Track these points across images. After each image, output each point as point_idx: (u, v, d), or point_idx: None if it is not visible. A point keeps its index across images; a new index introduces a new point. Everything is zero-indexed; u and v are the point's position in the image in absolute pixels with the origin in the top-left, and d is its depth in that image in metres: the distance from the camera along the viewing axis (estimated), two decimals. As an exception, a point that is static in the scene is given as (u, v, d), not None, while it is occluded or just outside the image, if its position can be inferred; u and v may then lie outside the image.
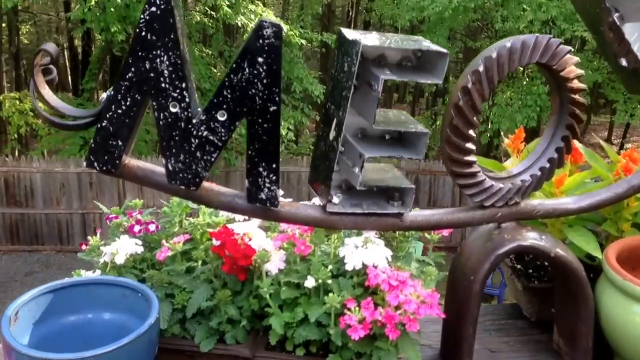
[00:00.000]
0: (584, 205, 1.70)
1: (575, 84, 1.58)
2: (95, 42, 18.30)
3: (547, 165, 1.65)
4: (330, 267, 1.56)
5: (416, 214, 1.59)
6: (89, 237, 1.70)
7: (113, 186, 12.29)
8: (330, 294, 1.46)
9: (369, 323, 1.42)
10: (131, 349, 1.30)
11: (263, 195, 1.39)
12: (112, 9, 10.93)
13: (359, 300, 1.47)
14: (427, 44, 1.43)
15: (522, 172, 1.67)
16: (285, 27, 11.38)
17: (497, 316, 2.03)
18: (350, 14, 22.36)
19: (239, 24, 12.23)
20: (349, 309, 1.44)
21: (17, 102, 14.40)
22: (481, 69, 1.48)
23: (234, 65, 1.32)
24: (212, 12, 12.71)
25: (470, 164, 1.55)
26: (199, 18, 13.38)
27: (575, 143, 1.99)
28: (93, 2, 10.88)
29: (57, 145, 14.02)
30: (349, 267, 1.53)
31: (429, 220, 1.60)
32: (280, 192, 1.42)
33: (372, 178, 1.53)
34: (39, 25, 21.16)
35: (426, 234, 1.78)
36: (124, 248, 1.62)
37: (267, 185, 1.38)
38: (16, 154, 14.48)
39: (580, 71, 1.57)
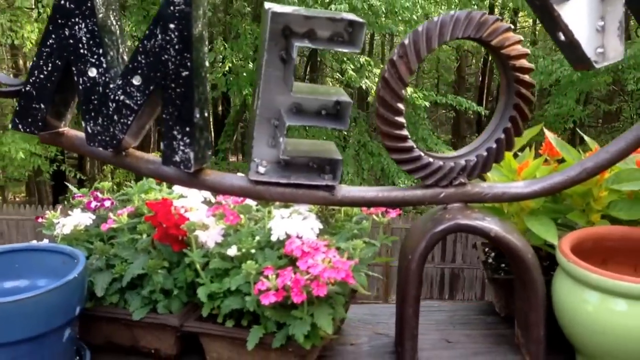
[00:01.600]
0: (536, 189, 1.63)
1: (519, 62, 1.54)
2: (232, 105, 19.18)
3: (494, 145, 1.61)
4: (257, 237, 1.57)
5: (350, 189, 1.58)
6: (47, 212, 1.79)
7: None
8: (249, 262, 1.47)
9: (281, 289, 1.41)
10: (40, 302, 1.35)
11: (177, 158, 1.42)
12: (244, 74, 11.53)
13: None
14: (347, 15, 1.44)
15: (469, 153, 1.63)
16: (409, 90, 11.57)
17: (470, 312, 1.97)
18: (479, 79, 22.31)
19: (364, 87, 12.49)
20: (266, 277, 1.44)
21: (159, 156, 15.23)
22: (407, 41, 1.48)
23: (147, 32, 1.38)
24: (339, 76, 13.09)
25: (403, 138, 1.53)
26: (331, 84, 13.82)
27: (548, 135, 1.93)
28: (227, 68, 11.58)
29: None
30: (273, 237, 1.53)
31: (364, 196, 1.59)
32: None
33: (301, 150, 1.54)
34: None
35: (375, 216, 1.76)
36: (72, 220, 1.69)
37: (182, 148, 1.42)
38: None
39: (524, 50, 1.54)
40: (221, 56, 12.11)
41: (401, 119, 1.51)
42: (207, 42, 1.46)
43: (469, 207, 1.63)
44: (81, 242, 1.72)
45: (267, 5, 1.43)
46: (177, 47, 1.37)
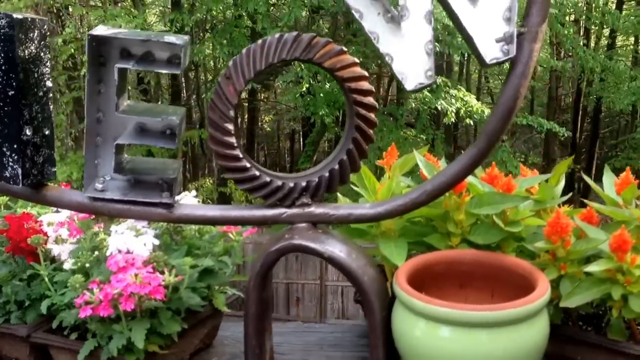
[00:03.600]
0: (380, 210, 1.62)
1: (356, 84, 1.55)
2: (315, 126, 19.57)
3: (337, 167, 1.61)
4: (96, 252, 1.63)
5: (192, 207, 1.62)
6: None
7: (316, 260, 12.76)
8: (76, 276, 1.53)
9: (106, 303, 1.47)
10: None
11: (7, 174, 1.51)
12: (321, 94, 11.76)
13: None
14: (167, 37, 1.50)
15: (312, 174, 1.64)
16: (487, 111, 11.49)
17: (346, 334, 1.96)
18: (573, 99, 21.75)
19: (439, 108, 12.45)
20: (90, 290, 1.50)
21: None
22: (231, 64, 1.52)
23: (-22, 54, 1.48)
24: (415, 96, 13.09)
25: (235, 157, 1.56)
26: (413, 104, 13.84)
27: (418, 159, 1.90)
28: (304, 89, 11.86)
29: None
30: (108, 252, 1.59)
31: (205, 214, 1.62)
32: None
33: (139, 167, 1.59)
34: (279, 113, 23.10)
35: (230, 234, 1.79)
36: None
37: (10, 164, 1.50)
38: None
39: (361, 72, 1.54)
40: (299, 76, 12.33)
41: (231, 139, 1.55)
42: (47, 62, 1.54)
43: (314, 228, 1.63)
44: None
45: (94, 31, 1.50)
46: (3, 67, 1.45)
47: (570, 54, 15.75)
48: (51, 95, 1.57)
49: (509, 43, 1.45)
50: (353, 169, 1.62)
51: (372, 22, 1.51)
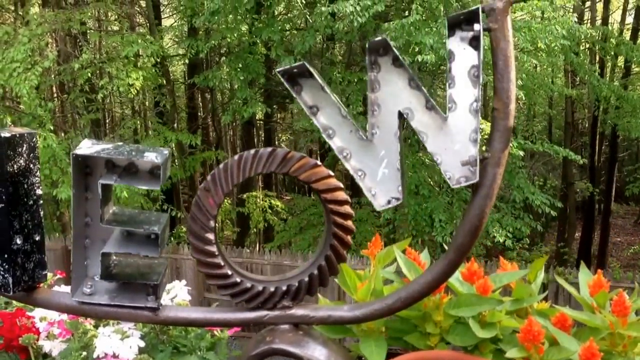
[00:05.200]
0: (357, 314, 1.69)
1: (332, 195, 1.62)
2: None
3: (316, 272, 1.68)
4: (84, 353, 1.71)
5: (177, 310, 1.70)
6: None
7: (334, 282, 12.78)
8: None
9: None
10: None
11: (-2, 282, 1.60)
12: None
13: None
14: (149, 154, 1.58)
15: (292, 277, 1.71)
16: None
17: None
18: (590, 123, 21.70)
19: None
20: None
21: (259, 200, 15.91)
22: (209, 178, 1.60)
23: (-31, 168, 1.57)
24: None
25: (217, 265, 1.64)
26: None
27: (410, 253, 1.97)
28: None
29: (290, 240, 15.08)
30: (95, 354, 1.67)
31: (188, 317, 1.70)
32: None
33: (126, 272, 1.67)
34: (297, 133, 23.27)
35: (215, 332, 1.86)
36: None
37: (1, 273, 1.58)
38: (257, 247, 15.61)
39: (336, 184, 1.62)
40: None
41: (212, 248, 1.62)
42: (37, 172, 1.63)
43: (296, 329, 1.70)
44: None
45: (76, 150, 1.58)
46: (-7, 181, 1.54)
47: (585, 81, 15.74)
48: (41, 202, 1.65)
49: (474, 166, 1.51)
50: (332, 273, 1.69)
51: (344, 139, 1.58)
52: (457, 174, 1.54)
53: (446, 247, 1.69)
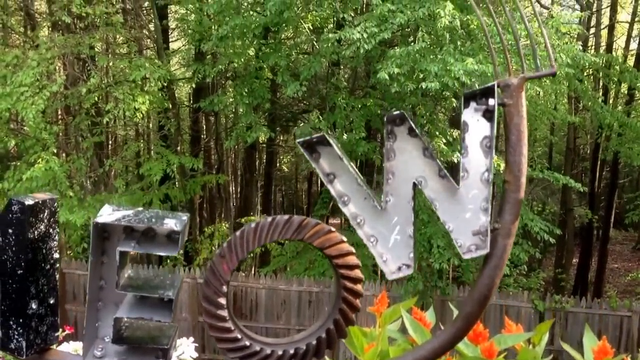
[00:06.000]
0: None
1: (343, 260, 1.64)
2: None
3: (324, 335, 1.70)
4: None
5: (188, 372, 1.72)
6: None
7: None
8: None
9: None
10: None
11: (12, 346, 1.62)
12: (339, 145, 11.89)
13: None
14: (169, 221, 1.60)
15: (301, 340, 1.73)
16: (503, 165, 11.43)
17: None
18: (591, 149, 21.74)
19: (455, 160, 12.50)
20: None
21: None
22: (225, 245, 1.62)
23: (-10, 234, 1.59)
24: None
25: (227, 329, 1.66)
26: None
27: (415, 313, 1.99)
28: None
29: (286, 264, 15.06)
30: (106, 416, 1.69)
31: (199, 378, 1.72)
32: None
33: (136, 336, 1.69)
34: (298, 155, 23.45)
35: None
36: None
37: (16, 337, 1.61)
38: (252, 271, 15.59)
39: (348, 249, 1.64)
40: (318, 128, 12.54)
41: (223, 313, 1.64)
42: (56, 236, 1.65)
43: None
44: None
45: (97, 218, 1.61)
46: (14, 248, 1.57)
47: (588, 108, 15.80)
48: (57, 265, 1.67)
49: (485, 235, 1.54)
50: (340, 336, 1.71)
51: (358, 206, 1.61)
52: (468, 242, 1.56)
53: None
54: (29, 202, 1.56)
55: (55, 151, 12.32)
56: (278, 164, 23.10)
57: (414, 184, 1.57)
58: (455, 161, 12.40)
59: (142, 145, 16.70)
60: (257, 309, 12.96)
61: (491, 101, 1.56)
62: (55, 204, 1.65)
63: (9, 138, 12.68)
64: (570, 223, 19.05)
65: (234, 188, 21.91)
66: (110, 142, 18.88)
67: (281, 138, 20.64)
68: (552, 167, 18.35)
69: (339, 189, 1.61)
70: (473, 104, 1.59)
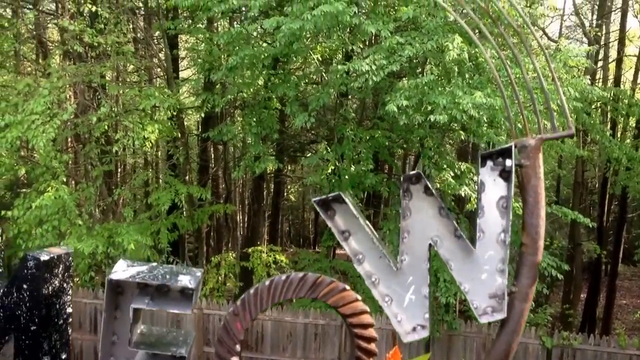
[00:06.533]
0: None
1: (357, 319, 1.64)
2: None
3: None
4: None
5: None
6: None
7: (335, 338, 12.69)
8: None
9: None
10: None
11: (24, 402, 1.61)
12: (346, 177, 11.94)
13: None
14: (183, 278, 1.60)
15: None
16: (514, 204, 11.32)
17: None
18: (590, 181, 21.70)
19: (463, 194, 12.52)
20: None
21: (263, 254, 15.94)
22: (239, 303, 1.61)
23: (5, 289, 1.60)
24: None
25: (241, 387, 1.65)
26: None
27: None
28: (329, 170, 12.10)
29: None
30: None
31: None
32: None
33: (148, 341, 1.68)
34: (305, 185, 23.52)
35: None
36: None
37: (29, 391, 1.60)
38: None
39: (362, 307, 1.63)
40: (326, 159, 12.57)
41: (237, 371, 1.63)
42: (69, 290, 1.65)
43: None
44: None
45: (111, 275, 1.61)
46: (28, 304, 1.57)
47: (596, 141, 15.79)
48: (71, 319, 1.67)
49: (502, 299, 1.53)
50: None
51: (373, 265, 1.61)
52: (484, 304, 1.56)
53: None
54: (44, 257, 1.57)
55: (64, 179, 12.35)
56: (286, 194, 23.12)
57: (429, 242, 1.57)
58: (463, 195, 12.39)
59: (150, 174, 16.72)
60: (263, 340, 12.87)
61: (508, 162, 1.56)
62: (70, 258, 1.66)
63: (20, 166, 12.75)
64: (578, 258, 18.89)
65: (241, 217, 21.91)
66: (119, 170, 18.94)
67: (289, 168, 20.69)
68: (560, 201, 18.26)
69: (354, 247, 1.62)
70: (489, 164, 1.59)
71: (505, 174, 1.53)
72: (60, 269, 1.56)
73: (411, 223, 1.58)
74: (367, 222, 1.59)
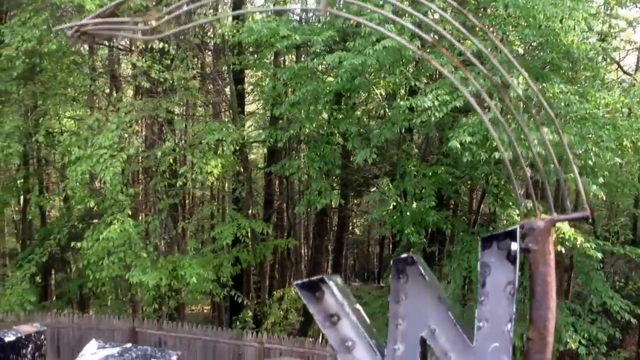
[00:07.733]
0: None
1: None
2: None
3: None
4: None
5: None
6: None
7: None
8: None
9: None
10: None
11: None
12: (408, 213, 11.81)
13: None
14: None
15: None
16: (579, 239, 10.93)
17: None
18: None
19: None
20: None
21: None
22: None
23: None
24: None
25: None
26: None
27: None
28: (391, 207, 12.00)
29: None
30: None
31: None
32: None
33: None
34: (369, 220, 23.50)
35: None
36: None
37: None
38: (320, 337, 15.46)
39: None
40: (387, 195, 12.43)
41: None
42: None
43: None
44: None
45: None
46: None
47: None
48: None
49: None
50: None
51: (363, 354, 1.48)
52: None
53: None
54: (9, 338, 1.50)
55: (130, 213, 12.57)
56: (350, 227, 23.00)
57: (423, 337, 1.44)
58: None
59: (214, 207, 16.88)
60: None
61: (514, 245, 1.42)
62: (43, 335, 1.58)
63: (89, 199, 13.06)
64: (654, 299, 18.02)
65: (305, 251, 21.86)
66: (187, 201, 19.18)
67: (354, 202, 20.58)
68: (637, 240, 17.48)
69: (343, 332, 1.49)
70: (495, 245, 1.45)
71: (512, 257, 1.39)
72: (30, 349, 1.49)
73: (406, 310, 1.45)
74: (359, 306, 1.46)
